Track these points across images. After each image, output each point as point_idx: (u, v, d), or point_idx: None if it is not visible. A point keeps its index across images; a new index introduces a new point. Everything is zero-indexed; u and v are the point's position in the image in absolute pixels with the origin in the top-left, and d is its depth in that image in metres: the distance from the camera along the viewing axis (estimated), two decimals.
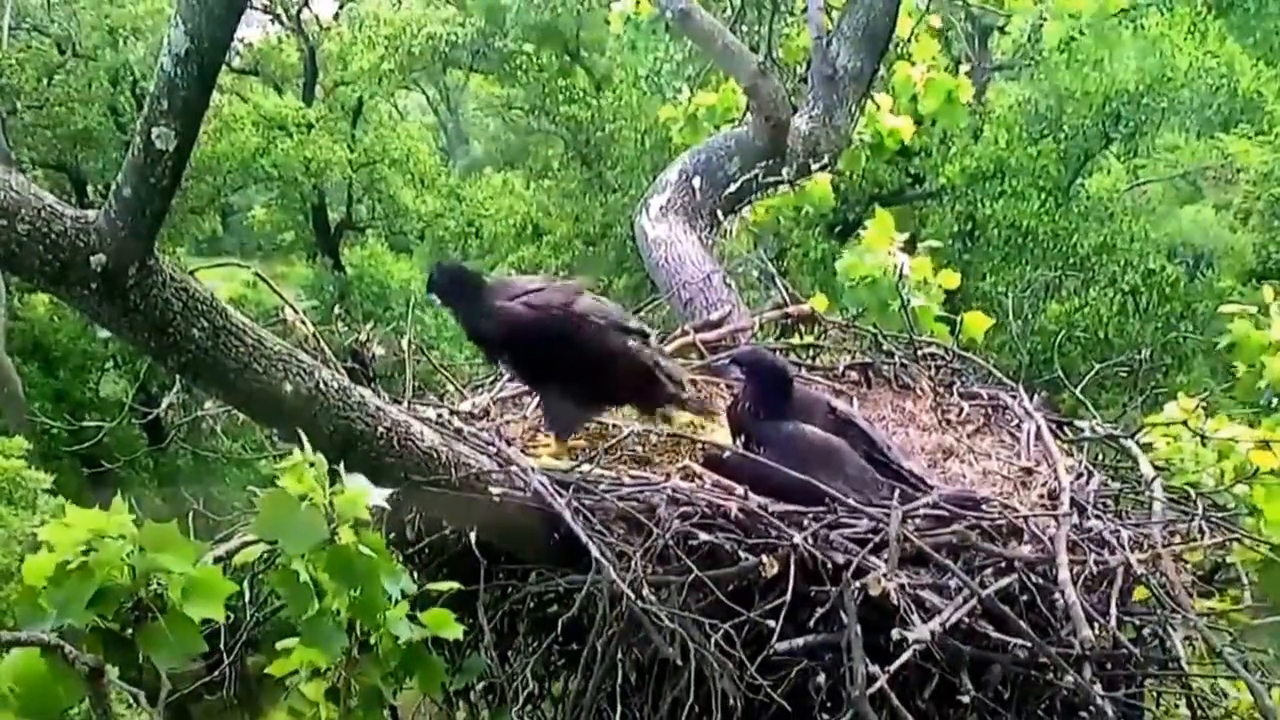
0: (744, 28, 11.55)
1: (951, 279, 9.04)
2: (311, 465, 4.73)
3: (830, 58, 9.30)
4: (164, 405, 6.75)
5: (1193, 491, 6.77)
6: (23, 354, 28.69)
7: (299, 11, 32.39)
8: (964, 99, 10.88)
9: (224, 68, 5.31)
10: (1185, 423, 7.42)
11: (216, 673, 6.36)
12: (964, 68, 11.28)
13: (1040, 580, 5.83)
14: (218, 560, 5.66)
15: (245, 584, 6.17)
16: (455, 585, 5.57)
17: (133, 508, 4.56)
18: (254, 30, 33.65)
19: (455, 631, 5.26)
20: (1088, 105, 23.76)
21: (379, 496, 4.71)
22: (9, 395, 25.23)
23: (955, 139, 23.78)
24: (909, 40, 10.56)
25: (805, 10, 10.68)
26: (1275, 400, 8.05)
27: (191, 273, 5.23)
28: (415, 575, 6.10)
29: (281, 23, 33.07)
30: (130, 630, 4.50)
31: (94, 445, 19.89)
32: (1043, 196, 23.86)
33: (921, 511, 5.98)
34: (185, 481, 24.05)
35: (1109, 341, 22.50)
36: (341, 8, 33.68)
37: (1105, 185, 25.83)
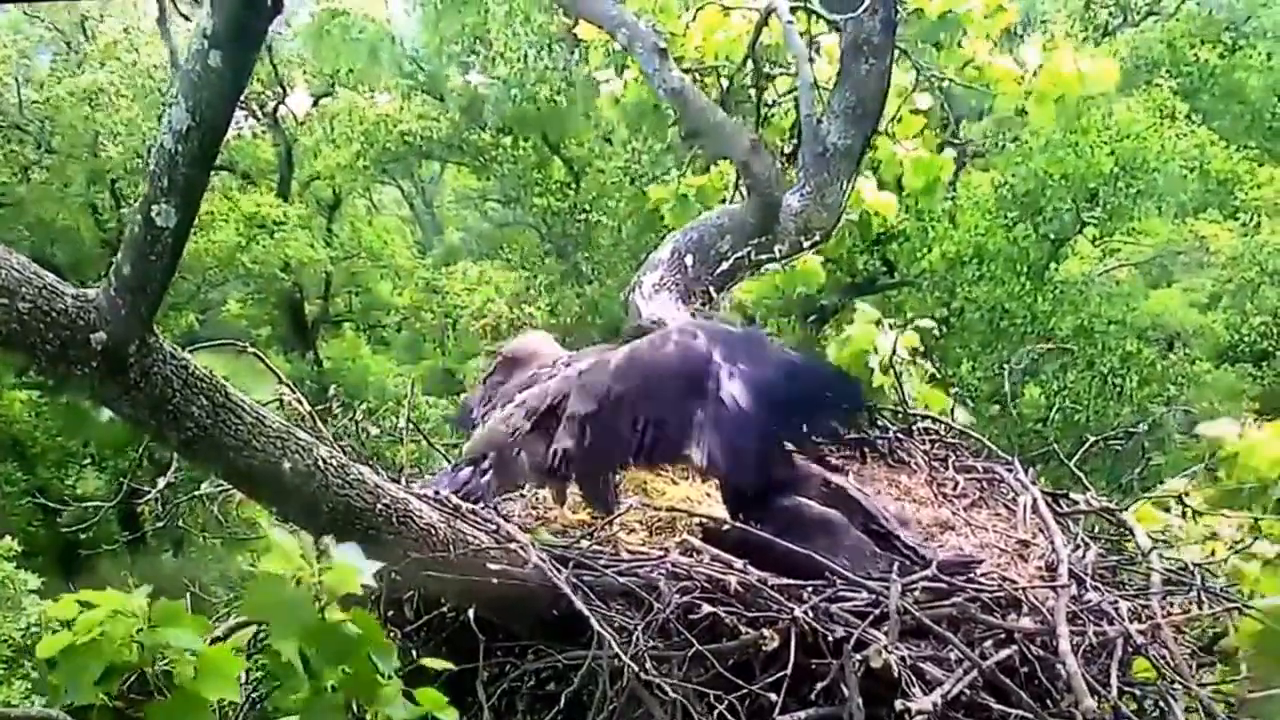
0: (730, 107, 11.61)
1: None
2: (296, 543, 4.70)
3: (821, 135, 9.36)
4: (162, 484, 6.73)
5: (1190, 563, 6.78)
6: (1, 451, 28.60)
7: (275, 108, 32.53)
8: (945, 178, 10.96)
9: None
10: (1180, 498, 7.44)
11: None
12: (949, 151, 11.29)
13: (1040, 651, 5.85)
14: (214, 641, 5.66)
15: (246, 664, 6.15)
16: (449, 665, 5.51)
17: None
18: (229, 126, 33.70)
19: (449, 714, 5.21)
20: (1066, 189, 23.92)
21: (369, 571, 4.66)
22: None
23: (934, 225, 23.89)
24: (894, 119, 10.61)
25: (790, 91, 10.78)
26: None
27: (191, 351, 5.24)
28: (415, 653, 6.07)
29: (257, 118, 33.20)
30: (136, 709, 4.48)
31: (74, 541, 19.76)
32: (1021, 280, 23.98)
33: (921, 584, 5.99)
34: (166, 576, 23.93)
35: (1087, 424, 22.55)
36: (316, 104, 33.79)
37: (1080, 269, 25.98)
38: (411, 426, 7.28)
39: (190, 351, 5.27)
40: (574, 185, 30.36)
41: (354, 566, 4.62)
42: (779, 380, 6.40)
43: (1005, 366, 19.92)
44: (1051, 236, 24.67)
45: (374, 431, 6.98)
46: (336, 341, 35.12)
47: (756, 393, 6.24)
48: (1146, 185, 24.16)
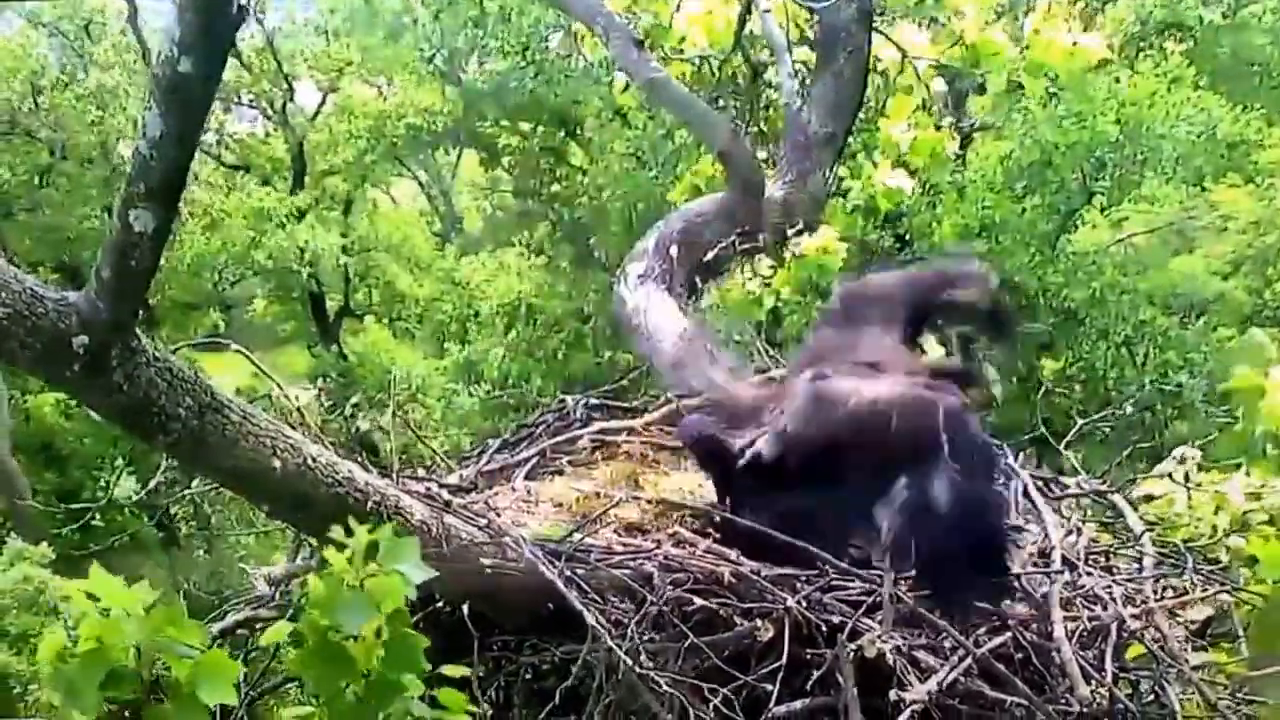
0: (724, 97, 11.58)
1: None
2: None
3: (802, 124, 9.32)
4: (152, 483, 6.75)
5: (1183, 545, 6.76)
6: (30, 453, 28.61)
7: (284, 105, 32.49)
8: (947, 152, 10.95)
9: (215, 162, 5.32)
10: (1172, 476, 7.40)
11: None
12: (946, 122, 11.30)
13: (1035, 638, 5.84)
14: (222, 633, 5.68)
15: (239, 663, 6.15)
16: (464, 670, 5.49)
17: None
18: (243, 125, 33.82)
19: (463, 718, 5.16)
20: (1072, 158, 23.67)
21: (418, 579, 4.61)
22: (15, 498, 25.03)
23: (944, 198, 23.71)
24: (883, 104, 10.61)
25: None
26: (1266, 448, 7.97)
27: (174, 351, 5.25)
28: None
29: (267, 116, 33.20)
30: (133, 713, 4.46)
31: (109, 544, 19.72)
32: (1032, 251, 23.78)
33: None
34: (201, 572, 24.08)
35: (1108, 395, 22.39)
36: (325, 99, 33.76)
37: (1091, 239, 25.74)
38: (401, 421, 7.28)
39: (174, 351, 5.28)
40: (585, 170, 30.26)
41: (401, 574, 4.58)
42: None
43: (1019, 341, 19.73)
44: (1060, 208, 24.43)
45: (364, 427, 7.00)
46: (361, 335, 35.04)
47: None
48: (1153, 152, 23.89)
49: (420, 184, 41.96)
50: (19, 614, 18.00)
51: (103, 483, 29.44)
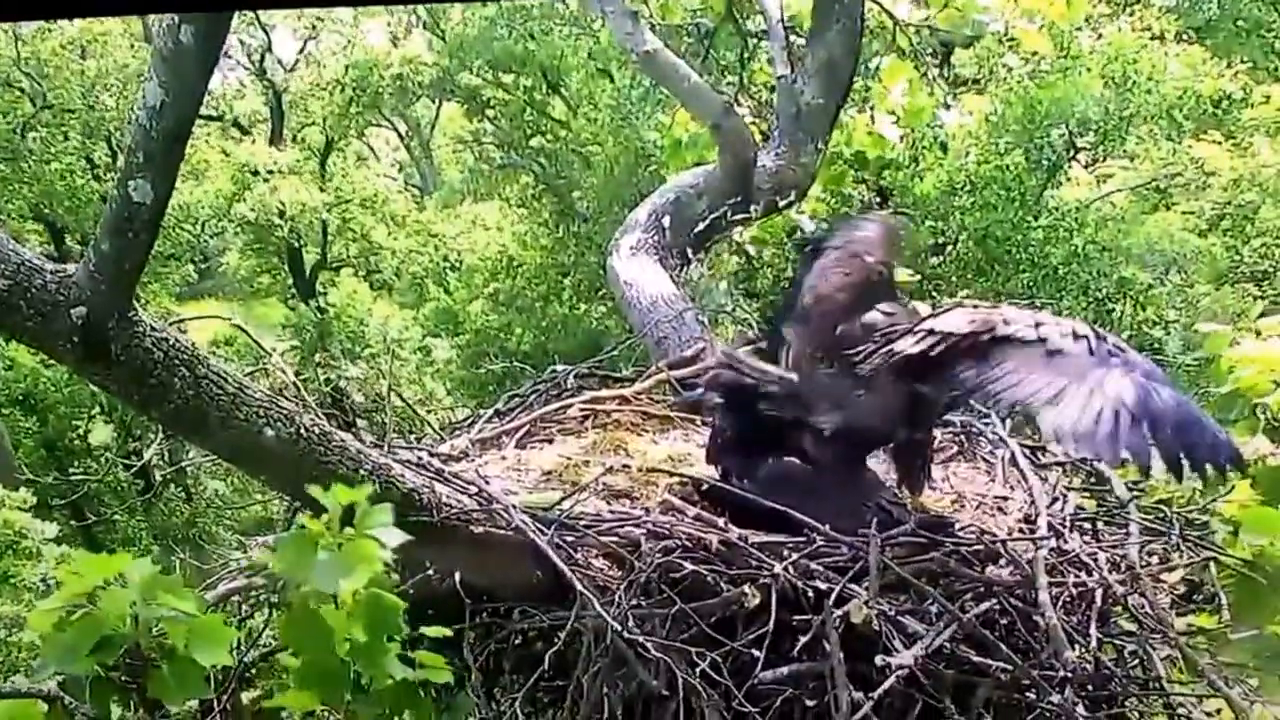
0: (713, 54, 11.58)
1: None
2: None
3: (795, 94, 9.34)
4: (148, 455, 6.79)
5: (1169, 511, 6.81)
6: (13, 404, 28.56)
7: (262, 58, 32.33)
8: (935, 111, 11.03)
9: None
10: None
11: (211, 717, 6.35)
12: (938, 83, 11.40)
13: (1020, 604, 5.89)
14: (218, 600, 5.72)
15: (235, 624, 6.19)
16: (446, 631, 5.53)
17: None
18: (218, 75, 33.69)
19: (445, 676, 5.21)
20: (1056, 114, 23.59)
21: (393, 543, 4.65)
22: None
23: (926, 153, 23.61)
24: (876, 70, 10.65)
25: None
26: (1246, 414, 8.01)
27: (177, 322, 5.29)
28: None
29: (245, 68, 33.04)
30: (130, 677, 4.50)
31: (83, 495, 19.76)
32: (1016, 207, 23.71)
33: (900, 539, 6.03)
34: (178, 529, 24.08)
35: None
36: (303, 50, 33.61)
37: (1074, 195, 25.66)
38: (393, 390, 7.31)
39: (174, 324, 5.31)
40: (567, 124, 30.20)
41: (376, 539, 4.63)
42: None
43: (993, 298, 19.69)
44: (1044, 163, 24.35)
45: (358, 399, 7.03)
46: (338, 286, 35.00)
47: None
48: (1137, 108, 23.81)
49: (400, 135, 41.83)
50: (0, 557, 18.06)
51: (80, 431, 29.57)
